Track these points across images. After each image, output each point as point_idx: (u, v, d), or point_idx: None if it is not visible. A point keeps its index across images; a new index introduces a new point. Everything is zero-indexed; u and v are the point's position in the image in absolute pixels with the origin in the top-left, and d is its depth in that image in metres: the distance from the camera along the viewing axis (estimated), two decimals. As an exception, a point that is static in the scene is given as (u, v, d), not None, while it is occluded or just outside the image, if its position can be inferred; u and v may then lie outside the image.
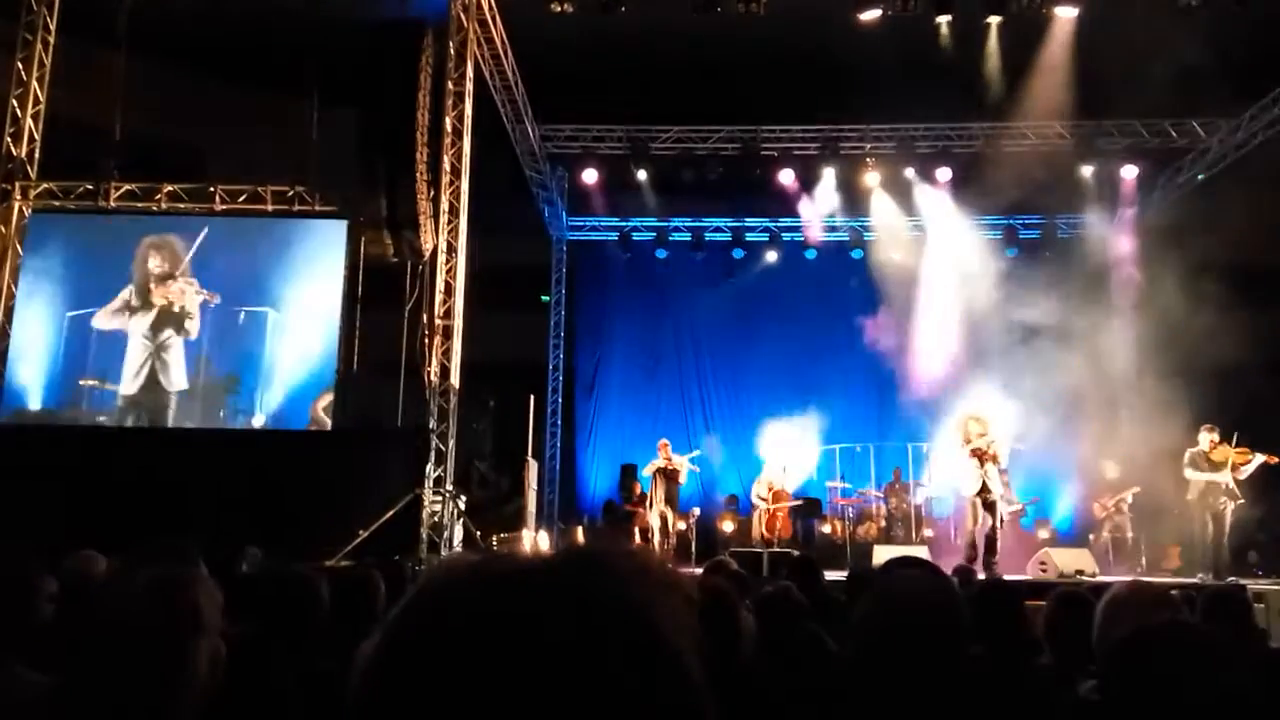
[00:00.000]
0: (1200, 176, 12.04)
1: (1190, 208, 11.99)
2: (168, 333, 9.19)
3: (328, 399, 9.08)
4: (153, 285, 9.31)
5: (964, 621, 1.58)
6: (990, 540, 8.32)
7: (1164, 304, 11.34)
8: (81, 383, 9.09)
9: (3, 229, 9.30)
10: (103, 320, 9.22)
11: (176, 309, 9.24)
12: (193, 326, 9.22)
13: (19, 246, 9.38)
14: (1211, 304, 10.31)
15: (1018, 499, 11.03)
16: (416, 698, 0.51)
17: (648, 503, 10.39)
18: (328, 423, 8.96)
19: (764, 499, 10.73)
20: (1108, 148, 11.94)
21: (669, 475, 10.11)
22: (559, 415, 13.67)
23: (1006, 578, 6.83)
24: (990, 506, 8.41)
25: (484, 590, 0.54)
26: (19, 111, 9.34)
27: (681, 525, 11.08)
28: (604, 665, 0.51)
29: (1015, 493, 11.10)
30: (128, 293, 9.31)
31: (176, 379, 9.16)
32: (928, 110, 11.31)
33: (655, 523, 10.07)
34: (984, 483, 8.29)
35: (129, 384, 9.12)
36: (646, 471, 10.40)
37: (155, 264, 9.33)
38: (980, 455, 8.28)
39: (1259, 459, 8.36)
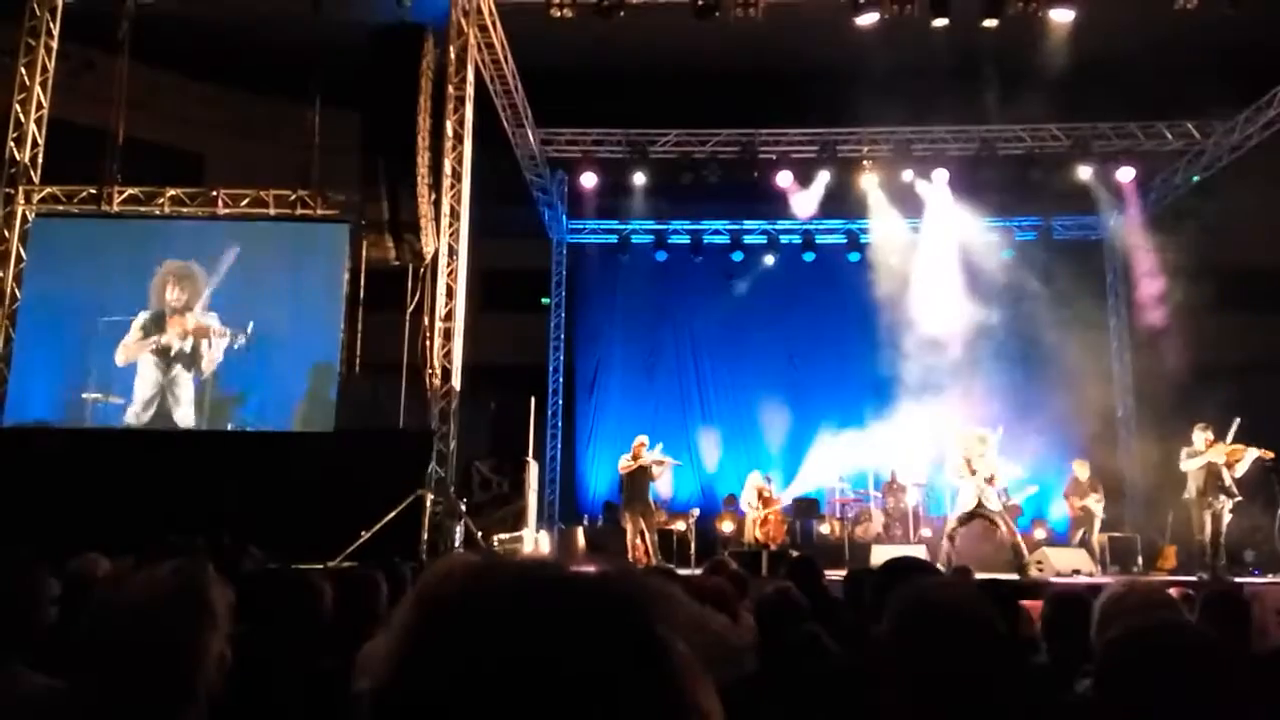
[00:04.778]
0: (1195, 178, 12.07)
1: (1186, 209, 12.03)
2: (178, 368, 9.14)
3: (305, 406, 9.10)
4: (170, 316, 9.22)
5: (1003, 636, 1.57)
6: (1016, 546, 8.44)
7: (1160, 305, 11.39)
8: (84, 396, 9.07)
9: (6, 233, 9.33)
10: (124, 355, 9.12)
11: (189, 347, 9.14)
12: (207, 365, 9.13)
13: (22, 250, 9.40)
14: (1207, 304, 10.34)
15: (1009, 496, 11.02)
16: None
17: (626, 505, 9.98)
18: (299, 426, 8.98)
19: (753, 505, 10.74)
20: (1103, 149, 11.98)
21: (637, 473, 9.66)
22: (559, 416, 13.70)
23: (1001, 577, 6.84)
24: (992, 519, 8.48)
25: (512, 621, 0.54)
26: (22, 116, 9.37)
27: (681, 525, 11.08)
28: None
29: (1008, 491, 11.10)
30: (143, 319, 9.19)
31: (185, 415, 9.12)
32: (924, 113, 11.34)
33: (630, 528, 9.54)
34: (980, 500, 8.34)
35: (138, 413, 9.06)
36: (622, 469, 9.86)
37: (174, 295, 9.22)
38: (975, 472, 8.35)
39: (1252, 453, 8.39)
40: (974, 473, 8.33)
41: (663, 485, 11.26)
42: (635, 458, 9.75)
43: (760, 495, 10.81)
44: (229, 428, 9.13)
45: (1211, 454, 8.41)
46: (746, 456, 13.10)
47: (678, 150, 12.32)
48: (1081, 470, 10.37)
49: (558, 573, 0.57)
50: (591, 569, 0.59)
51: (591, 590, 0.56)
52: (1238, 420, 8.50)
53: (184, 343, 9.18)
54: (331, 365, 9.14)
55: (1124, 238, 13.08)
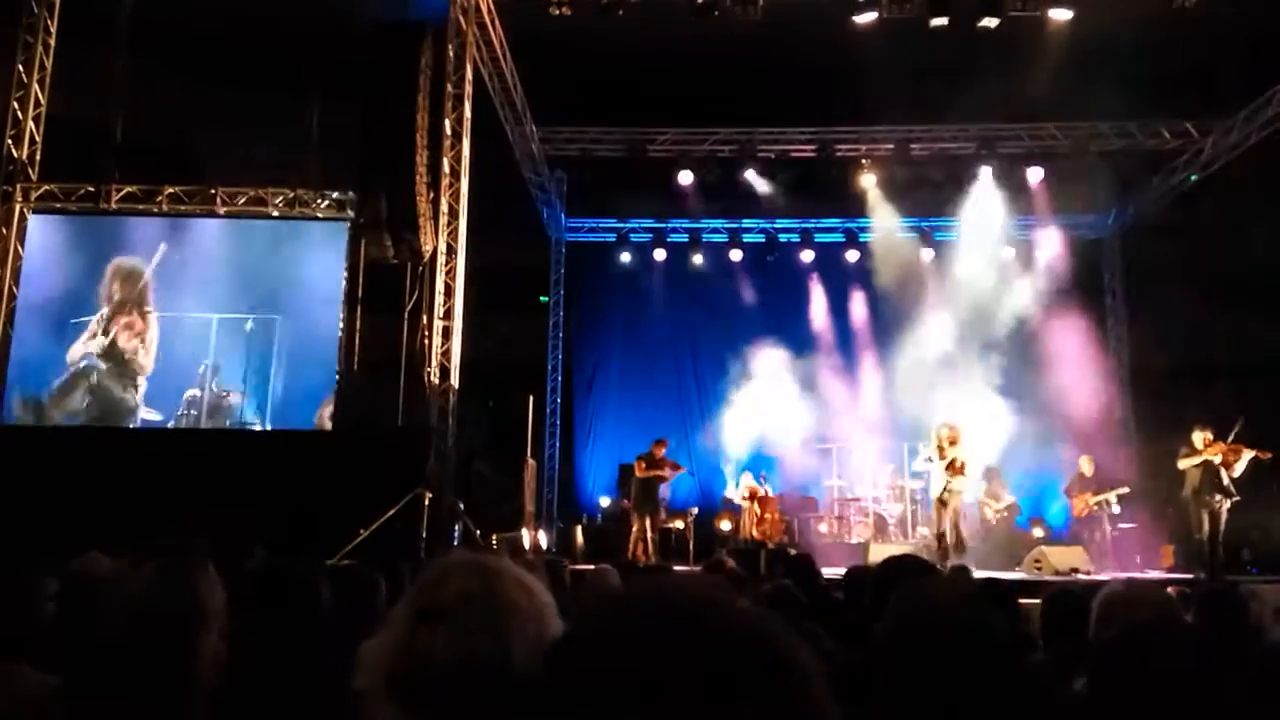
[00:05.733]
0: (1194, 177, 12.07)
1: (1184, 209, 12.03)
2: (120, 364, 9.19)
3: (331, 407, 9.11)
4: (115, 314, 9.28)
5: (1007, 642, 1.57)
6: (953, 541, 8.52)
7: (1157, 304, 11.39)
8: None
9: (4, 230, 9.32)
10: (74, 353, 9.19)
11: (129, 351, 9.19)
12: (146, 362, 9.17)
13: (20, 248, 9.39)
14: (1206, 304, 10.34)
15: (1008, 496, 11.01)
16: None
17: (635, 506, 10.15)
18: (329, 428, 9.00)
19: (745, 500, 10.76)
20: (1102, 149, 11.98)
21: (651, 475, 9.86)
22: (558, 415, 13.70)
23: (1000, 576, 6.86)
24: (952, 508, 8.58)
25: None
26: (20, 114, 9.36)
27: (680, 524, 11.09)
28: None
29: (1007, 491, 11.10)
30: (96, 322, 9.26)
31: (136, 408, 9.17)
32: (923, 112, 11.34)
33: (635, 527, 9.74)
34: (946, 486, 8.49)
35: (85, 406, 9.13)
36: (640, 473, 10.03)
37: (115, 289, 9.31)
38: (948, 462, 8.47)
39: (1249, 454, 8.41)
40: (944, 460, 8.48)
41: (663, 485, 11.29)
42: (654, 461, 9.82)
43: (754, 495, 10.83)
44: (228, 424, 9.14)
45: (1208, 453, 8.42)
46: (745, 454, 13.10)
47: (676, 149, 12.32)
48: (1088, 466, 10.28)
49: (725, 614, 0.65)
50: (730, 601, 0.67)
51: (753, 635, 0.64)
52: (1241, 419, 8.50)
53: (126, 341, 9.23)
54: (330, 363, 9.15)
55: (1122, 237, 13.08)
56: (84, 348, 9.22)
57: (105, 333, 9.23)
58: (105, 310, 9.28)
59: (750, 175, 12.37)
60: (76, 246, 9.54)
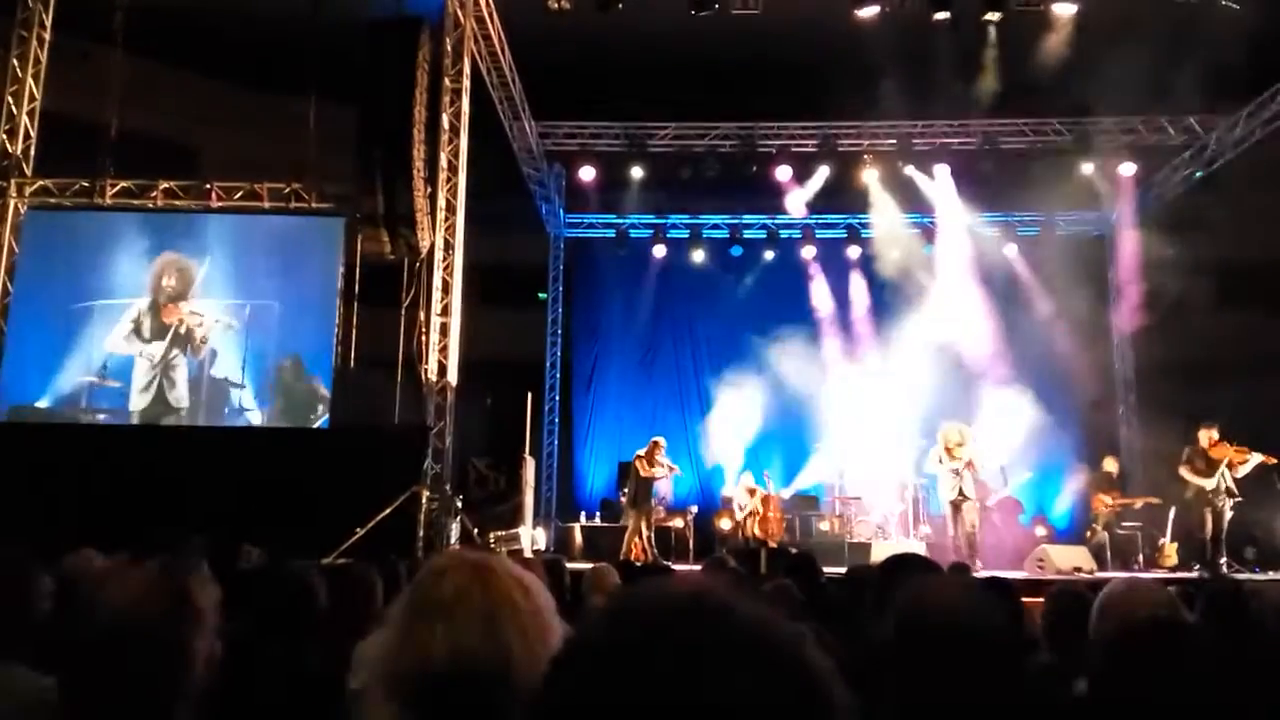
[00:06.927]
0: (1198, 174, 12.04)
1: (1188, 205, 12.01)
2: (175, 352, 9.20)
3: (300, 401, 9.10)
4: (164, 304, 9.27)
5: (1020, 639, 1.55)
6: (970, 543, 8.44)
7: (1162, 301, 11.37)
8: (81, 380, 9.08)
9: (-2, 226, 9.29)
10: (114, 344, 9.19)
11: (184, 330, 9.22)
12: (202, 347, 9.21)
13: (14, 243, 9.36)
14: (1209, 301, 10.33)
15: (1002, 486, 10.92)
16: None
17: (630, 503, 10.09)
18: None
19: (743, 506, 10.73)
20: (1106, 145, 11.94)
21: (645, 476, 9.79)
22: (557, 412, 13.67)
23: (1003, 575, 6.84)
24: (968, 511, 8.52)
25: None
26: (14, 108, 9.33)
27: (679, 523, 11.08)
28: None
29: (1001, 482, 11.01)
30: (136, 310, 9.24)
31: (181, 396, 9.16)
32: (925, 107, 11.31)
33: (631, 524, 9.67)
34: (960, 489, 8.43)
35: (137, 399, 9.11)
36: (647, 471, 9.92)
37: (169, 283, 9.31)
38: (958, 464, 8.46)
39: (1256, 458, 8.37)
40: (955, 460, 8.44)
41: (663, 484, 11.26)
42: (654, 460, 9.77)
43: (754, 494, 10.80)
44: (225, 413, 9.12)
45: (1209, 479, 8.38)
46: (745, 453, 13.08)
47: (676, 143, 12.28)
48: (1113, 465, 10.23)
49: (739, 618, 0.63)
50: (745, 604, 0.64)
51: (773, 638, 0.62)
52: (1233, 444, 8.50)
53: (179, 328, 9.22)
54: (327, 360, 9.12)
55: (1126, 234, 13.05)
56: (131, 344, 9.19)
57: (162, 328, 9.21)
58: (145, 303, 9.26)
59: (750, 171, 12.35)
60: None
